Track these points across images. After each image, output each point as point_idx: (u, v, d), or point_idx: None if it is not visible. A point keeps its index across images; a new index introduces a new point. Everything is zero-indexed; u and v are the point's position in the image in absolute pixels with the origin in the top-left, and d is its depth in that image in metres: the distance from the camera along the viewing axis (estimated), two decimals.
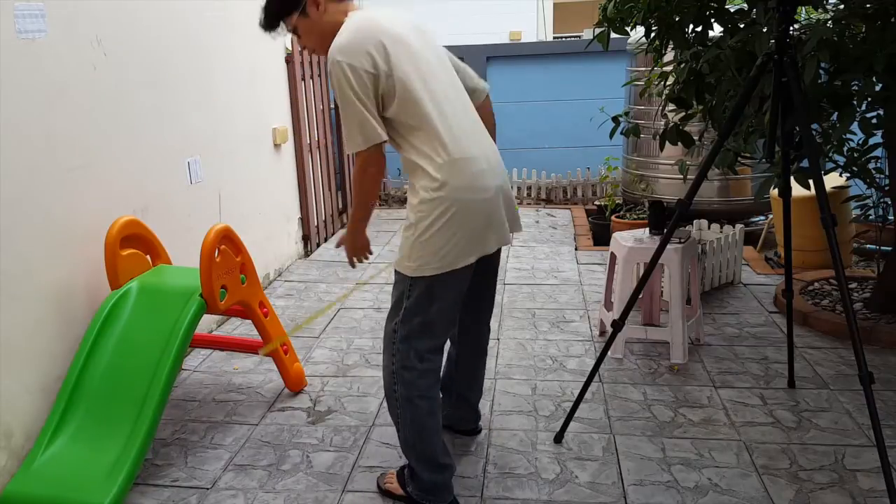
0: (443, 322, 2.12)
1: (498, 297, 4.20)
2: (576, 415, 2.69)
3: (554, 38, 11.02)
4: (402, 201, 6.99)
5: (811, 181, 2.31)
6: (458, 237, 1.97)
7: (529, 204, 6.85)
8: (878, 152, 3.24)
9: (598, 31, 3.29)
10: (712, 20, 3.11)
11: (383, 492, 2.32)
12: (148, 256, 2.93)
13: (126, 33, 3.06)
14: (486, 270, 2.25)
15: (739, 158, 3.17)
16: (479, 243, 2.02)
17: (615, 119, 3.52)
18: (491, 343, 3.52)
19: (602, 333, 3.60)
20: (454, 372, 2.51)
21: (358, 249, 2.23)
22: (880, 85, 2.80)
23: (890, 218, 3.79)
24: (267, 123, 4.66)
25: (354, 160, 2.01)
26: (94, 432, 2.41)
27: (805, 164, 2.78)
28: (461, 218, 1.96)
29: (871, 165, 3.23)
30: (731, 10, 3.10)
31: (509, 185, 2.13)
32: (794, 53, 2.26)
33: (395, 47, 1.95)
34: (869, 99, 2.89)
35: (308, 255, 5.29)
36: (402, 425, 2.17)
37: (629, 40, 5.31)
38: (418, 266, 2.00)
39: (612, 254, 3.45)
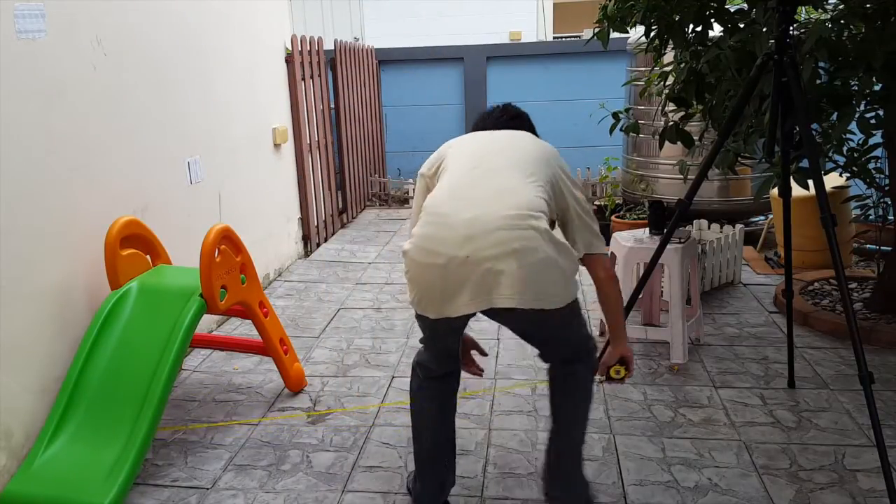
0: (429, 351, 2.16)
1: None
2: None
3: (554, 38, 11.01)
4: (402, 201, 6.99)
5: (811, 181, 2.31)
6: (414, 292, 1.96)
7: None
8: (878, 152, 3.24)
9: (597, 30, 3.29)
10: (712, 20, 3.11)
11: None
12: (148, 256, 2.93)
13: (126, 33, 3.06)
14: (509, 325, 2.11)
15: (739, 158, 3.17)
16: (431, 304, 1.92)
17: (615, 115, 3.52)
18: (491, 343, 3.53)
19: (602, 333, 3.60)
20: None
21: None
22: (879, 84, 2.80)
23: (890, 218, 3.79)
24: (267, 123, 4.66)
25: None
26: (93, 432, 2.41)
27: (805, 163, 2.77)
28: (412, 276, 1.95)
29: (871, 165, 3.23)
30: (731, 10, 3.10)
31: (499, 262, 1.82)
32: (793, 53, 2.26)
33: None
34: (868, 98, 2.89)
35: (308, 255, 5.29)
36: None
37: (629, 40, 5.31)
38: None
39: (612, 254, 3.45)
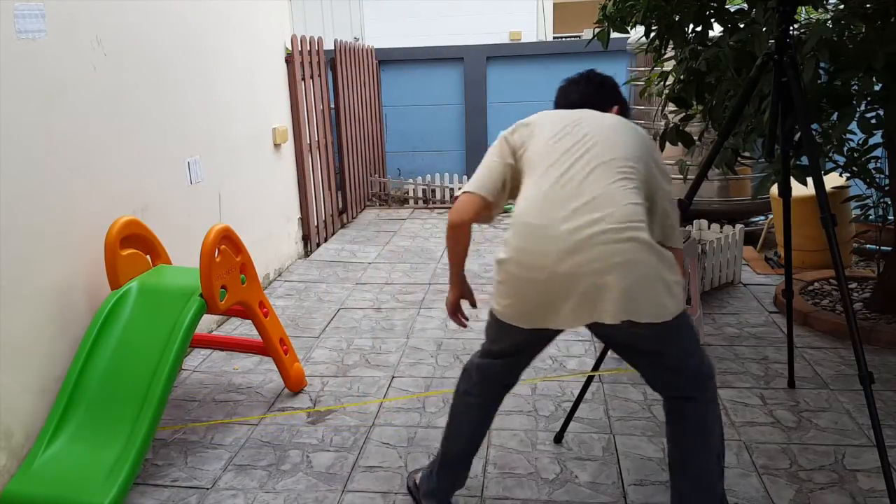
0: (500, 360, 2.09)
1: None
2: (576, 415, 2.69)
3: (554, 38, 11.01)
4: (401, 201, 6.99)
5: (811, 181, 2.31)
6: (506, 302, 1.90)
7: None
8: (878, 152, 3.24)
9: (597, 30, 3.29)
10: (712, 20, 3.11)
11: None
12: (148, 256, 2.93)
13: (126, 33, 3.06)
14: (618, 347, 2.02)
15: (739, 158, 3.16)
16: (526, 316, 1.88)
17: None
18: None
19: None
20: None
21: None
22: (879, 84, 2.80)
23: (890, 218, 3.79)
24: (267, 123, 4.66)
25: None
26: (93, 432, 2.41)
27: (804, 161, 2.77)
28: (507, 288, 1.88)
29: (871, 165, 3.23)
30: (731, 10, 3.10)
31: (610, 276, 1.74)
32: (793, 53, 2.25)
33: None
34: (868, 99, 2.89)
35: (308, 255, 5.29)
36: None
37: (629, 40, 5.31)
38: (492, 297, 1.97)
39: None
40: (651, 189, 1.90)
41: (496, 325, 1.99)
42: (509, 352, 2.06)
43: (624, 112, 2.18)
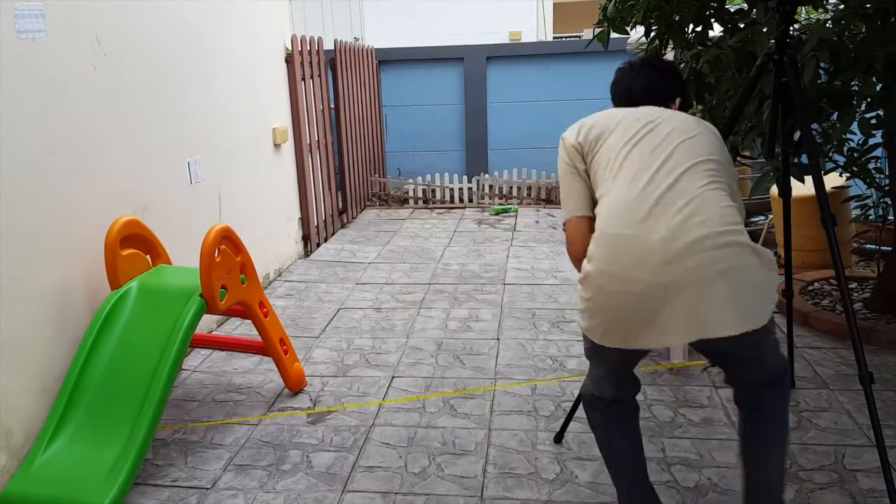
0: (608, 380, 1.97)
1: (497, 297, 4.21)
2: (576, 415, 2.68)
3: (554, 38, 11.01)
4: (401, 201, 6.99)
5: (811, 180, 2.31)
6: (595, 321, 1.78)
7: (529, 204, 6.84)
8: (878, 152, 3.24)
9: (598, 30, 3.29)
10: (712, 20, 3.11)
11: None
12: (148, 256, 2.93)
13: (126, 33, 3.06)
14: (710, 352, 1.95)
15: (739, 158, 3.16)
16: (621, 335, 1.76)
17: None
18: (491, 343, 3.53)
19: None
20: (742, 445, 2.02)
21: None
22: (880, 85, 2.79)
23: (890, 218, 3.79)
24: (267, 123, 4.66)
25: None
26: (93, 432, 2.41)
27: (804, 159, 2.77)
28: (596, 305, 1.76)
29: (871, 165, 3.23)
30: (731, 10, 3.09)
31: (714, 281, 1.65)
32: (793, 53, 2.25)
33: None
34: (868, 99, 2.89)
35: (308, 255, 5.29)
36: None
37: (629, 40, 5.31)
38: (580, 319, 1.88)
39: None
40: (730, 183, 1.83)
41: (591, 349, 1.88)
42: (612, 372, 1.96)
43: (684, 105, 2.08)
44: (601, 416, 2.01)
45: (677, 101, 2.07)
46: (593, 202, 1.91)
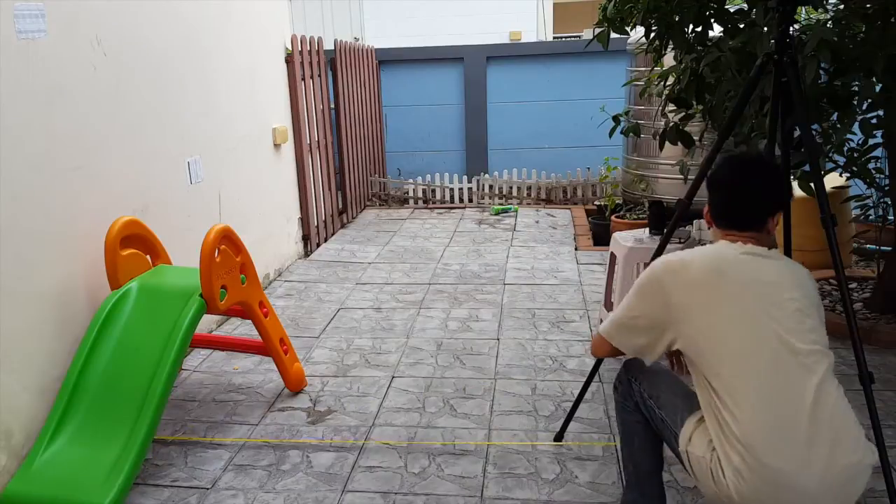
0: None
1: (497, 298, 4.21)
2: (576, 415, 2.68)
3: (554, 38, 11.02)
4: (401, 201, 6.99)
5: (813, 185, 2.31)
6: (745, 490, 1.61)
7: (529, 204, 6.84)
8: (878, 152, 3.24)
9: (597, 30, 3.29)
10: (712, 20, 3.11)
11: None
12: (148, 256, 2.93)
13: (126, 33, 3.06)
14: None
15: None
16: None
17: (615, 118, 3.53)
18: (491, 343, 3.53)
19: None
20: None
21: None
22: (880, 86, 2.79)
23: (890, 218, 3.79)
24: (267, 123, 4.66)
25: None
26: (93, 432, 2.41)
27: (807, 167, 2.78)
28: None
29: (871, 165, 3.23)
30: (731, 11, 3.10)
31: None
32: (794, 54, 2.25)
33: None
34: (869, 100, 2.89)
35: (308, 255, 5.29)
36: None
37: (629, 40, 5.31)
38: None
39: (611, 254, 3.45)
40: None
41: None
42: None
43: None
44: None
45: (779, 214, 1.81)
46: (651, 348, 1.81)
